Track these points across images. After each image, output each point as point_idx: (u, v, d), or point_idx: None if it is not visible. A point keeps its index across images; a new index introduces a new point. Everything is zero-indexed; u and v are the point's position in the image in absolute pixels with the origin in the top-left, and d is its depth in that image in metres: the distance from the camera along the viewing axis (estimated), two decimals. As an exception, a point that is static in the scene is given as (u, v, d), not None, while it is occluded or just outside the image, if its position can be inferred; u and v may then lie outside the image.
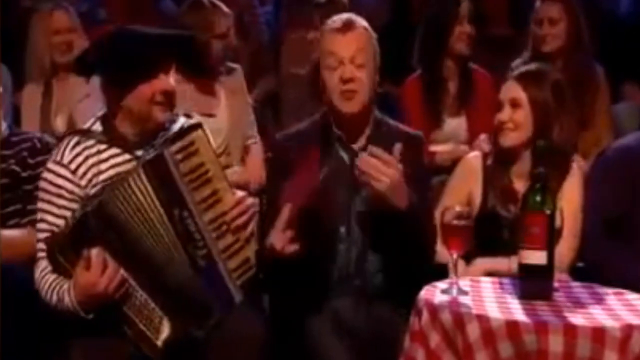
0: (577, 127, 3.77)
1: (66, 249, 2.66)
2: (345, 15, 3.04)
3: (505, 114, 3.11)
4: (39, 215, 2.83)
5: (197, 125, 2.85)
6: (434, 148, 4.11)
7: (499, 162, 3.17)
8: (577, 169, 3.21)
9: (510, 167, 3.15)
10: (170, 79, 2.83)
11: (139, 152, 2.83)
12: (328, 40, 2.99)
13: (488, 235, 3.04)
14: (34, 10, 4.47)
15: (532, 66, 3.21)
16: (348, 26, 2.98)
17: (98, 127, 2.87)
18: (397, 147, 2.79)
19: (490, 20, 5.11)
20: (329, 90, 2.97)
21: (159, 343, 2.73)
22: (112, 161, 2.83)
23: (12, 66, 4.45)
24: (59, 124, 4.20)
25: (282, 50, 4.89)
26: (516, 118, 3.09)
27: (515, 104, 3.09)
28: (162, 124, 2.86)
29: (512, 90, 3.12)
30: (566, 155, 3.14)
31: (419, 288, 2.58)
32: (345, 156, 3.00)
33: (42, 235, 2.79)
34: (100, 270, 2.63)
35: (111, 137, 2.84)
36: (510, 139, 3.11)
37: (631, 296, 2.58)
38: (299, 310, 2.89)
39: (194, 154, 2.79)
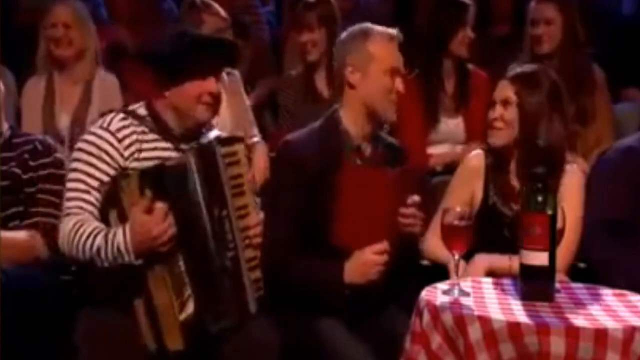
0: (574, 127, 3.77)
1: (133, 188, 2.66)
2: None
3: (495, 112, 3.12)
4: (73, 175, 2.82)
5: (240, 139, 2.96)
6: (430, 151, 4.13)
7: (496, 160, 3.17)
8: (576, 169, 3.20)
9: (508, 165, 3.16)
10: (218, 83, 2.88)
11: (184, 146, 2.87)
12: (388, 47, 2.98)
13: (489, 232, 3.04)
14: (36, 9, 4.47)
15: (527, 68, 3.21)
16: (397, 38, 3.01)
17: (143, 111, 2.90)
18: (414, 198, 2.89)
19: (495, 20, 5.11)
20: (375, 95, 2.95)
21: (181, 317, 2.71)
22: (156, 144, 2.86)
23: (14, 67, 4.45)
24: (63, 123, 4.18)
25: (285, 50, 4.89)
26: (506, 116, 3.10)
27: (506, 103, 3.11)
28: (202, 124, 2.91)
29: (504, 90, 3.13)
30: (558, 154, 3.13)
31: (414, 285, 2.59)
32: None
33: (74, 194, 2.79)
34: (160, 218, 2.64)
35: (156, 123, 2.87)
36: (499, 138, 3.12)
37: (633, 297, 2.57)
38: (307, 313, 2.88)
39: (236, 163, 2.89)
